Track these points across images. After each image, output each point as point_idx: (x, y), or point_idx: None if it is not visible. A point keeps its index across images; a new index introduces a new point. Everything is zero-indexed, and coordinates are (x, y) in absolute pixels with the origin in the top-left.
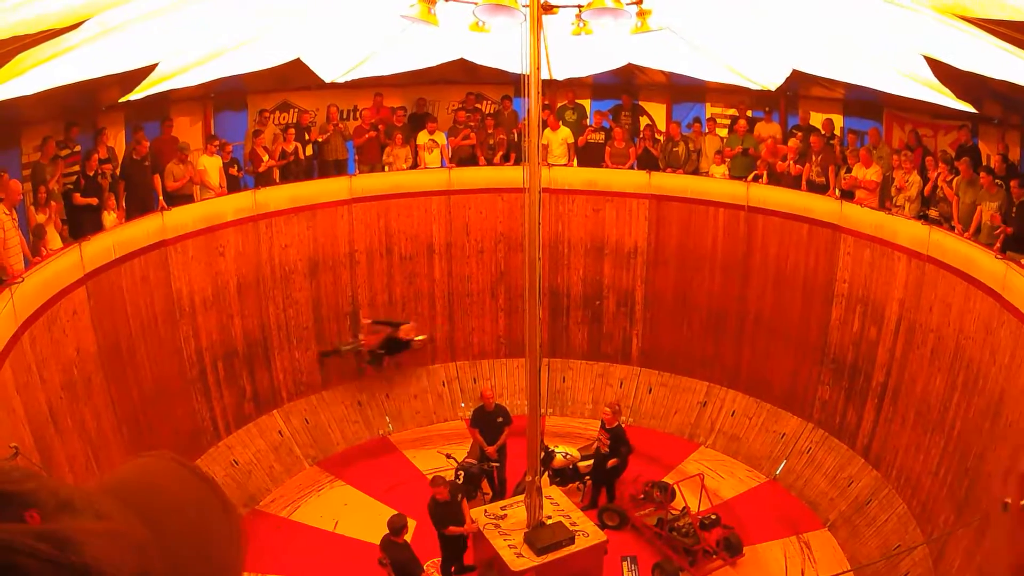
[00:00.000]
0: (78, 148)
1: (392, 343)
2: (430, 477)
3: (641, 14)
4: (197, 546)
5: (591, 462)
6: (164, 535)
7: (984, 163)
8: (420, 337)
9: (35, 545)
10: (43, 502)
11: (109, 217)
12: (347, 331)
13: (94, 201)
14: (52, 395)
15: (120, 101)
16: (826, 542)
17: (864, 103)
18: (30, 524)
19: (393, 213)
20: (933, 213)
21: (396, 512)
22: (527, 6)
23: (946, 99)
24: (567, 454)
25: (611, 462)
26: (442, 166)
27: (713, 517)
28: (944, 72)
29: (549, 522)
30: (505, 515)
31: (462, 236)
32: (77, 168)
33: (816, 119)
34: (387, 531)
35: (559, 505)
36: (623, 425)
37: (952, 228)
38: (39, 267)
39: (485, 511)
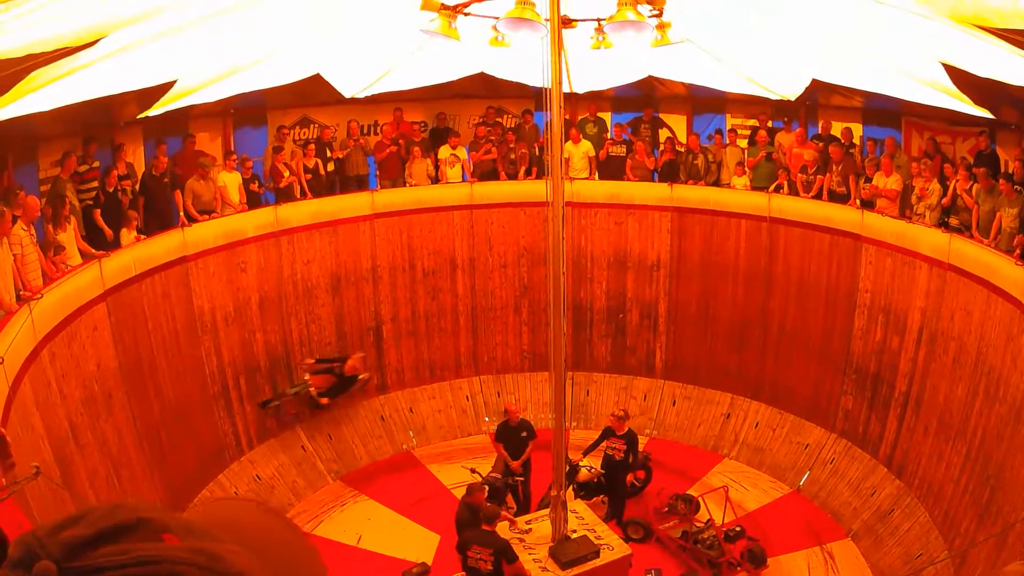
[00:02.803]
0: (96, 164)
1: (340, 382)
2: (466, 487)
3: (661, 27)
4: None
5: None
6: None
7: (1003, 169)
8: (363, 376)
9: (192, 557)
10: (175, 528)
11: (128, 235)
12: (373, 351)
13: (110, 234)
14: (72, 411)
15: (138, 117)
16: (849, 552)
17: (883, 111)
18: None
19: (415, 228)
20: (953, 221)
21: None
22: (548, 20)
23: (964, 106)
24: (592, 467)
25: (639, 474)
26: (464, 180)
27: (737, 529)
28: (962, 79)
29: (574, 536)
30: (530, 529)
31: (485, 251)
32: (96, 184)
33: (836, 128)
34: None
35: (584, 519)
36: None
37: (971, 236)
38: (58, 283)
39: (510, 524)
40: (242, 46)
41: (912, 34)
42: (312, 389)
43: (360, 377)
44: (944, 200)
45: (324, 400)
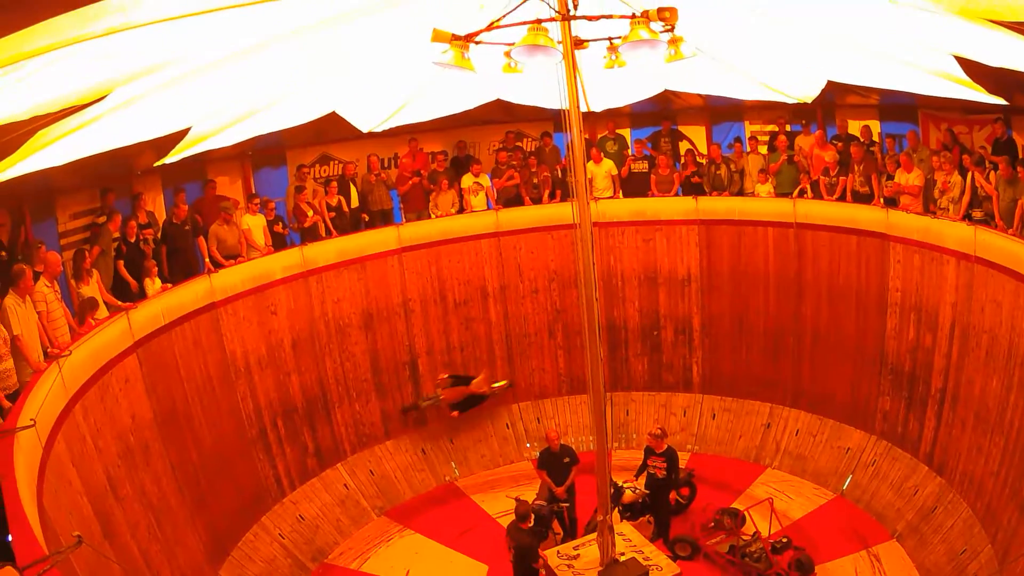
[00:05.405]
0: (118, 215)
1: (469, 398)
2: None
3: (673, 42)
4: None
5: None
6: None
7: (1021, 156)
8: (500, 383)
9: None
10: None
11: (153, 285)
12: (410, 385)
13: (134, 285)
14: (109, 464)
15: (155, 165)
16: (895, 553)
17: (899, 106)
18: None
19: (444, 259)
20: (977, 213)
21: (519, 500)
22: (560, 42)
23: (979, 94)
24: (636, 488)
25: (683, 491)
26: (488, 208)
27: (784, 540)
28: (974, 69)
29: (622, 559)
30: (578, 555)
31: (515, 277)
32: (117, 235)
33: (854, 127)
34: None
35: (631, 541)
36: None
37: (995, 226)
38: (87, 338)
39: (558, 552)
40: (253, 90)
41: (922, 30)
42: (442, 399)
43: (497, 385)
44: (966, 190)
45: (454, 413)
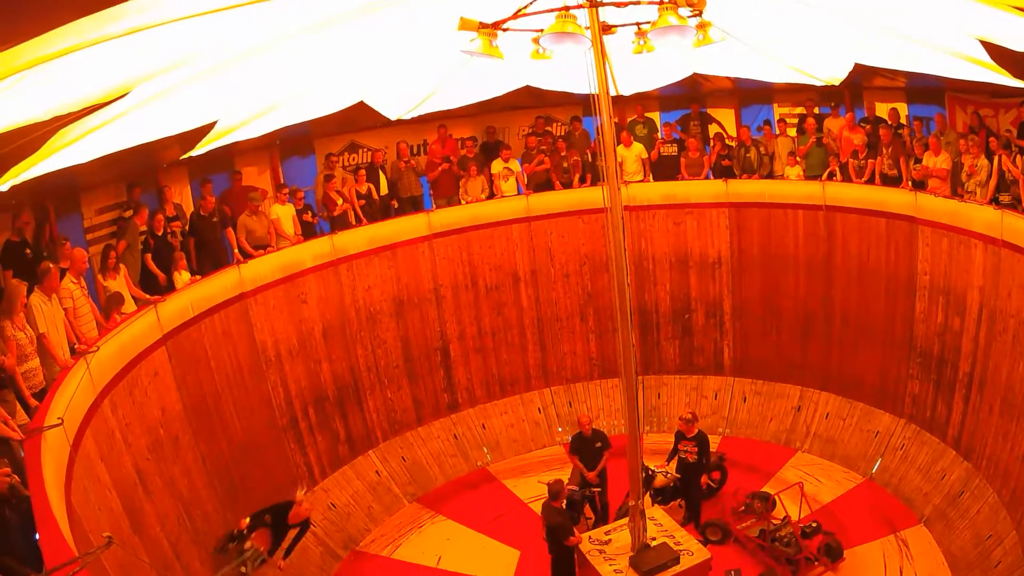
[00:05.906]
0: (145, 208)
1: (291, 529)
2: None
3: (701, 27)
4: None
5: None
6: None
7: None
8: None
9: None
10: None
11: (181, 277)
12: (441, 371)
13: (162, 278)
14: (139, 457)
15: (182, 158)
16: (922, 538)
17: (926, 89)
18: None
19: (475, 245)
20: (1004, 197)
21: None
22: (588, 28)
23: (1004, 78)
24: (667, 472)
25: (715, 475)
26: (519, 193)
27: (814, 525)
28: (999, 53)
29: (653, 544)
30: (609, 540)
31: (546, 262)
32: (144, 228)
33: (881, 109)
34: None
35: (662, 525)
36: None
37: (1022, 210)
38: (114, 333)
39: (589, 536)
40: (280, 82)
41: (947, 13)
42: (262, 551)
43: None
44: (993, 174)
45: (282, 564)
